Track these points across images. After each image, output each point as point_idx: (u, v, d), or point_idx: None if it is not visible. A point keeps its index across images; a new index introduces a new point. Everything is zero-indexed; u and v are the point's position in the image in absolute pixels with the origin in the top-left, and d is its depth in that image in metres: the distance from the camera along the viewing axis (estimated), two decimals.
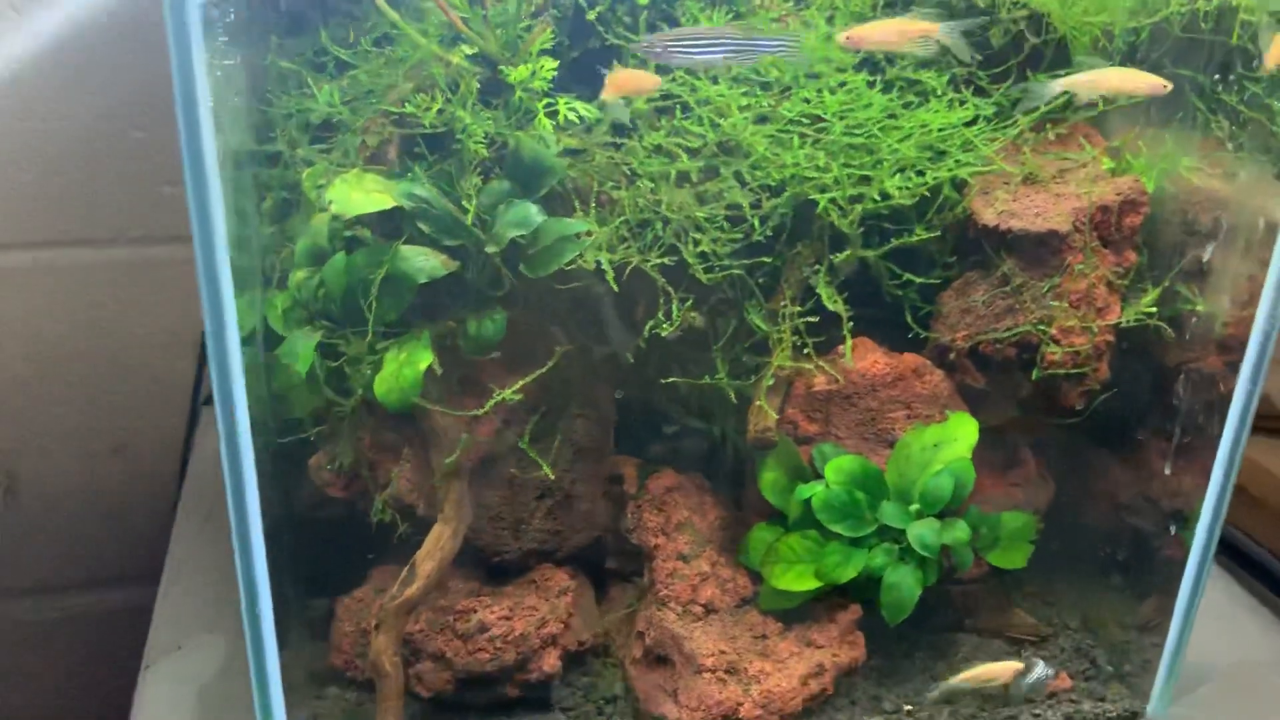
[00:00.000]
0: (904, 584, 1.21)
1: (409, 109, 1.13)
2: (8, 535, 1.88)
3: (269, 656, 1.07)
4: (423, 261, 1.11)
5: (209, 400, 1.84)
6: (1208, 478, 1.19)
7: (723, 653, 1.20)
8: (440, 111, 1.13)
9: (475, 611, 1.19)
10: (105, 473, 1.88)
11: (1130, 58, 1.25)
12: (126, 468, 1.88)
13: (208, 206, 0.92)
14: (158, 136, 1.69)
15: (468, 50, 1.13)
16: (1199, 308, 1.23)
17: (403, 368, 1.12)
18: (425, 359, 1.11)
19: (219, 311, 0.95)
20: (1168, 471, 1.29)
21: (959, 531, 1.23)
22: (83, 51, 1.63)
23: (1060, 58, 1.25)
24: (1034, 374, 1.22)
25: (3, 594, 1.91)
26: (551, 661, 1.21)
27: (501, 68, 1.14)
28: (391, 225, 1.14)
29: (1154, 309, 1.22)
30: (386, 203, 1.10)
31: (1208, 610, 1.26)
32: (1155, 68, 1.23)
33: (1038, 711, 1.26)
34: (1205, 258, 1.22)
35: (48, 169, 1.69)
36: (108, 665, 1.97)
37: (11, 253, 1.73)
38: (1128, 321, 1.22)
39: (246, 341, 1.01)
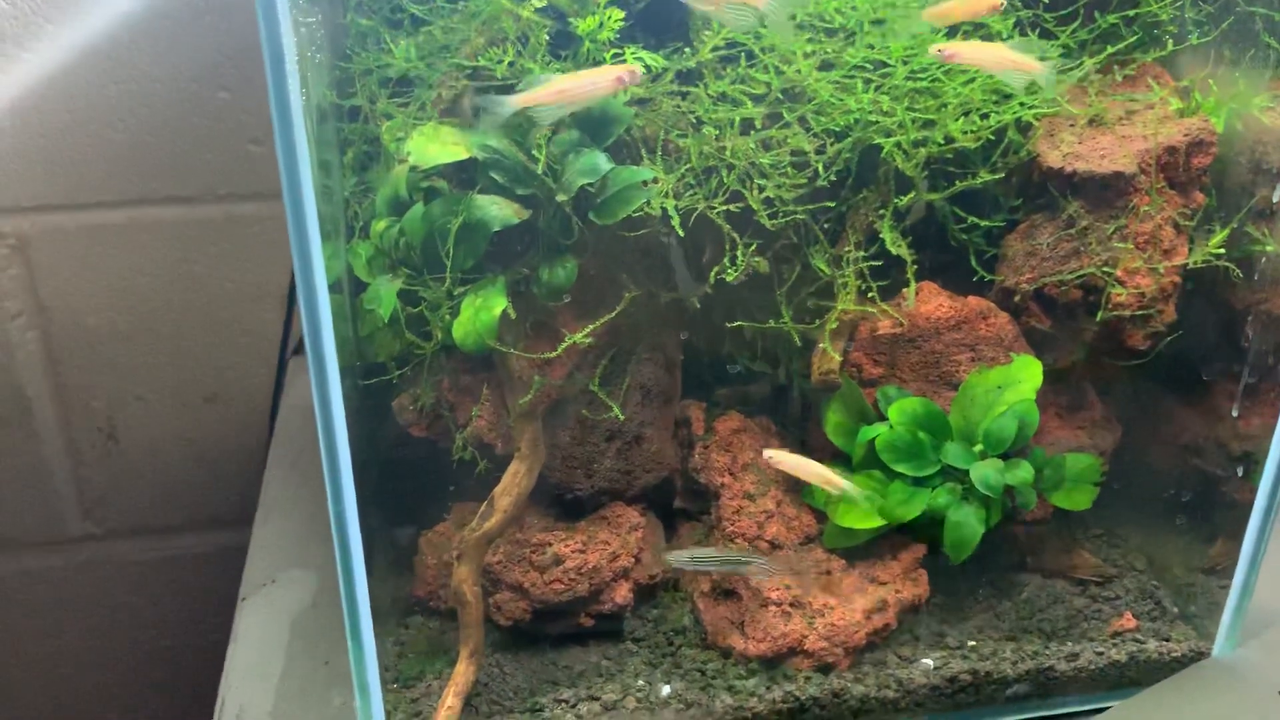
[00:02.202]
0: (967, 523, 1.23)
1: (482, 62, 1.17)
2: (110, 480, 1.98)
3: (359, 587, 1.13)
4: (496, 210, 1.15)
5: (297, 350, 1.93)
6: (1276, 420, 1.19)
7: (787, 587, 1.23)
8: (511, 64, 1.16)
9: (550, 545, 1.24)
10: (199, 420, 1.96)
11: None
12: (219, 415, 1.96)
13: (295, 159, 0.96)
14: (243, 97, 1.75)
15: (537, 3, 1.16)
16: (1269, 249, 1.22)
17: (479, 313, 1.16)
18: (500, 304, 1.16)
19: (307, 258, 1.00)
20: (1235, 414, 1.29)
21: (1022, 472, 1.24)
22: (170, 17, 1.69)
23: None
24: (1099, 316, 1.22)
25: (107, 535, 2.02)
26: (623, 593, 1.26)
27: (570, 19, 1.17)
28: (466, 176, 1.18)
29: (1222, 250, 1.21)
30: (461, 154, 1.14)
31: (1275, 552, 1.26)
32: (1226, 5, 1.21)
33: (1101, 650, 1.28)
34: (1276, 198, 1.21)
35: (140, 129, 1.75)
36: (205, 603, 2.08)
37: (107, 210, 1.80)
38: (1195, 263, 1.21)
39: (332, 288, 1.06)
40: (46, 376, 1.87)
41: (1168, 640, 1.30)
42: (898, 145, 1.19)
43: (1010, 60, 1.12)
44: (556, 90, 1.08)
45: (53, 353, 1.86)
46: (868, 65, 1.20)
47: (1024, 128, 1.22)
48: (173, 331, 1.88)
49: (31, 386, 1.87)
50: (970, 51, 1.12)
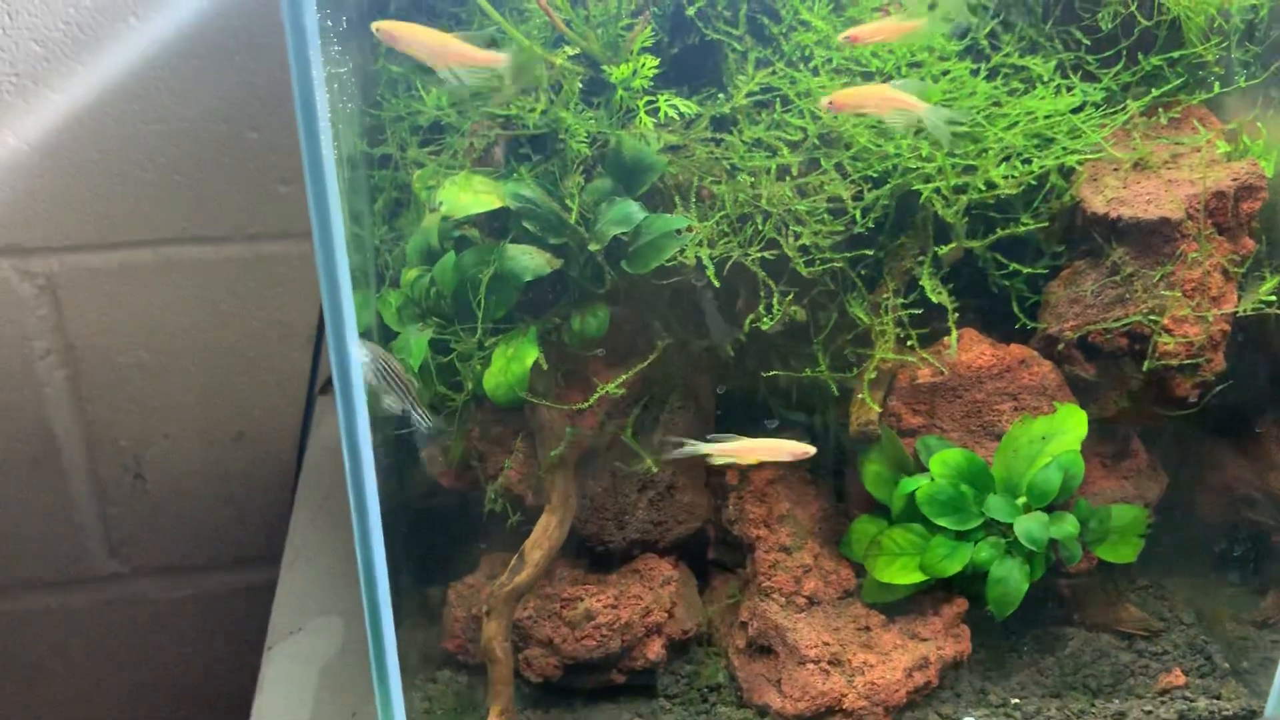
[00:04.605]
0: (1011, 578, 1.20)
1: (514, 111, 1.16)
2: (137, 518, 1.97)
3: (387, 641, 1.11)
4: (528, 260, 1.13)
5: (324, 389, 1.92)
6: None
7: (826, 644, 1.20)
8: (544, 112, 1.15)
9: (582, 600, 1.22)
10: (226, 459, 1.95)
11: (1248, 36, 1.21)
12: (246, 454, 1.95)
13: (327, 208, 0.95)
14: (271, 137, 1.75)
15: (570, 51, 1.14)
16: None
17: (510, 363, 1.15)
18: (532, 355, 1.14)
19: (338, 309, 0.98)
20: None
21: (1067, 525, 1.21)
22: (199, 57, 1.69)
23: (1173, 39, 1.21)
24: (1145, 365, 1.19)
25: (134, 574, 2.01)
26: (656, 649, 1.23)
27: (603, 67, 1.15)
28: (498, 224, 1.17)
29: (1273, 298, 1.18)
30: (494, 203, 1.13)
31: None
32: (1274, 47, 1.19)
33: (1149, 709, 1.24)
34: None
35: (169, 169, 1.75)
36: (231, 643, 2.06)
37: (136, 250, 1.80)
38: (1245, 310, 1.18)
39: (363, 337, 1.04)
40: (75, 415, 1.87)
41: (1218, 698, 1.25)
42: (937, 191, 1.16)
43: (893, 100, 1.09)
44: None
45: (81, 391, 1.86)
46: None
47: (1067, 173, 1.20)
48: (201, 370, 1.88)
49: (60, 425, 1.87)
50: (854, 99, 1.10)
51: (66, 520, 1.94)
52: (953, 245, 1.19)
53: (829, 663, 1.19)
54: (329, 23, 1.00)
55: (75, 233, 1.75)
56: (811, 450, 1.19)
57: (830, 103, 1.09)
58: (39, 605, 2.00)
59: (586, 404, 1.18)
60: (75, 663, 2.05)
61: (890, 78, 1.20)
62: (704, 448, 1.19)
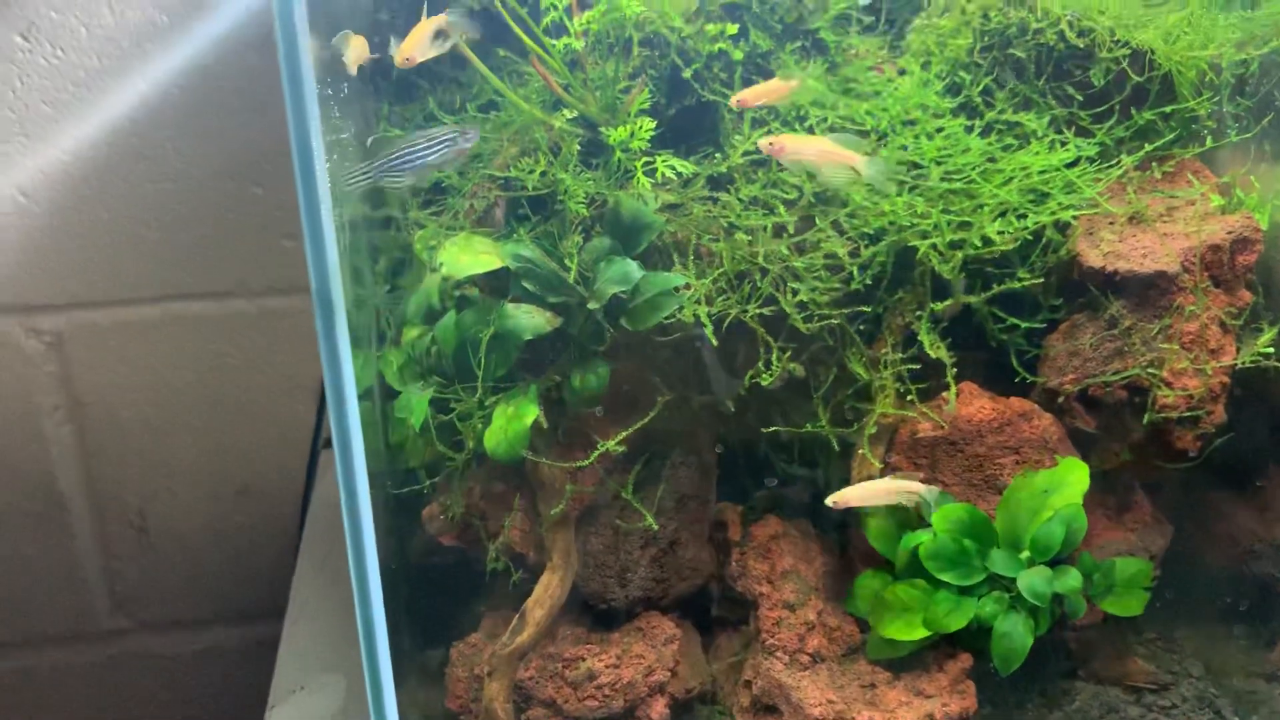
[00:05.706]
0: (1015, 633, 1.19)
1: (514, 172, 1.17)
2: (141, 573, 1.97)
3: (387, 701, 1.11)
4: (528, 319, 1.14)
5: (328, 443, 1.92)
6: None
7: (830, 702, 1.19)
8: (543, 174, 1.16)
9: (584, 659, 1.21)
10: (230, 513, 1.95)
11: (1239, 91, 1.22)
12: (250, 508, 1.95)
13: (326, 273, 0.96)
14: (275, 193, 1.76)
15: (568, 114, 1.16)
16: None
17: (511, 422, 1.15)
18: (532, 413, 1.14)
19: (337, 369, 0.99)
20: None
21: (1071, 579, 1.20)
22: (204, 116, 1.71)
23: (1166, 94, 1.22)
24: (1146, 418, 1.19)
25: (137, 628, 2.00)
26: (659, 709, 1.22)
27: (601, 129, 1.17)
28: (499, 284, 1.18)
29: (1271, 349, 1.18)
30: (494, 264, 1.14)
31: None
32: (1265, 101, 1.20)
33: None
34: None
35: (174, 226, 1.77)
36: (234, 698, 2.05)
37: (142, 306, 1.81)
38: (1243, 363, 1.18)
39: (364, 396, 1.05)
40: (80, 470, 1.88)
41: None
42: (933, 247, 1.17)
43: (832, 153, 1.12)
44: None
45: (87, 446, 1.86)
46: (901, 167, 1.19)
47: (1062, 227, 1.20)
48: (205, 424, 1.89)
49: (65, 480, 1.88)
50: (794, 144, 1.13)
51: (71, 575, 1.94)
52: (950, 301, 1.19)
53: None
54: (329, 91, 1.01)
55: (82, 290, 1.77)
56: None
57: (771, 143, 1.11)
58: (43, 661, 1.99)
59: (587, 461, 1.19)
60: (79, 718, 2.04)
61: (885, 136, 1.21)
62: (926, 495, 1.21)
